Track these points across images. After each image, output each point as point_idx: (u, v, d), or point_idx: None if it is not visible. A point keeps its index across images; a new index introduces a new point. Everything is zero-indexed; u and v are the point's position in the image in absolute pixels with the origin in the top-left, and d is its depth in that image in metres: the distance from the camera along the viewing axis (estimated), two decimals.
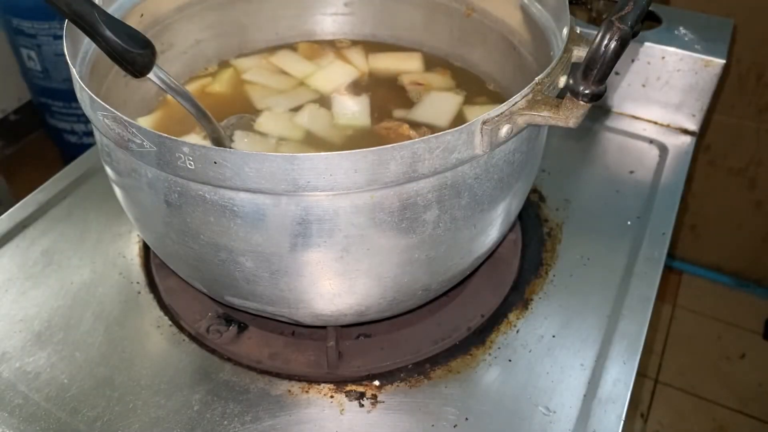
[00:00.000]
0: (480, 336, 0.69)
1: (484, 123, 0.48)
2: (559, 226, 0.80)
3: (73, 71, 0.53)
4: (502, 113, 0.49)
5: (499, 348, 0.68)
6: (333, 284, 0.55)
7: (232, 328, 0.68)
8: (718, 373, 1.77)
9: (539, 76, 0.52)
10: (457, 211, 0.53)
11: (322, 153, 0.45)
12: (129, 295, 0.72)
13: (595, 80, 0.46)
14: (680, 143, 0.93)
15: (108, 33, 0.50)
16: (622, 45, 0.45)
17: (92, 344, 0.67)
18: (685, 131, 0.95)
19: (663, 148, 0.92)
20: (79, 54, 0.60)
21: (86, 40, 0.61)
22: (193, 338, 0.68)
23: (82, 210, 0.81)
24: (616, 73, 0.94)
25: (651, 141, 0.93)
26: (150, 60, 0.54)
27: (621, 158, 0.91)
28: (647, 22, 0.99)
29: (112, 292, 0.72)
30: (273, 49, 0.84)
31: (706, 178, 1.78)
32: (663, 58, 0.91)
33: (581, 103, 0.48)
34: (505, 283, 0.73)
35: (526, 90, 0.51)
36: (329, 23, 0.85)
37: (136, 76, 0.54)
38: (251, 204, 0.49)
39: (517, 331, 0.69)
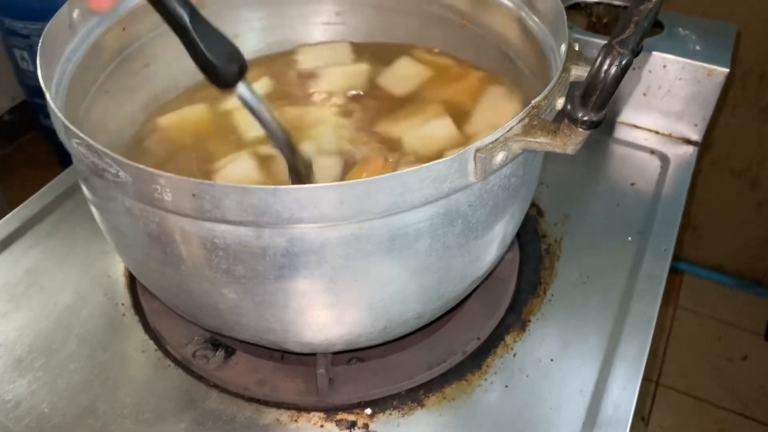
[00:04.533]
0: (476, 360, 0.66)
1: (477, 151, 0.46)
2: (558, 243, 0.78)
3: (48, 97, 0.50)
4: (496, 140, 0.47)
5: (495, 373, 0.65)
6: (321, 315, 0.53)
7: (219, 352, 0.66)
8: (720, 375, 1.75)
9: (535, 99, 0.49)
10: (450, 239, 0.51)
11: (307, 185, 0.43)
12: (113, 317, 0.70)
13: (594, 107, 0.44)
14: (682, 153, 0.91)
15: (197, 41, 0.49)
16: (623, 71, 0.42)
17: (75, 370, 0.65)
18: (687, 141, 0.92)
19: (664, 159, 0.89)
20: (55, 75, 0.57)
21: (63, 59, 0.59)
22: (179, 363, 0.66)
23: (67, 226, 0.79)
24: None
25: (652, 151, 0.91)
26: (235, 77, 0.52)
27: (621, 169, 0.89)
28: (652, 32, 0.96)
29: (97, 314, 0.70)
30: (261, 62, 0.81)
31: (707, 178, 1.76)
32: (665, 66, 0.88)
33: (579, 130, 0.45)
34: (502, 303, 0.71)
35: (521, 114, 0.48)
36: (320, 33, 0.82)
37: (220, 88, 0.53)
38: (233, 236, 0.47)
39: (514, 355, 0.67)
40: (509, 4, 0.68)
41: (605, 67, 0.42)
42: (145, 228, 0.49)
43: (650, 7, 0.46)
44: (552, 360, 0.66)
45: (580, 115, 0.45)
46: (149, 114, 0.73)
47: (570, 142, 0.47)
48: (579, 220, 0.81)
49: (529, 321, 0.70)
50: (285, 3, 0.80)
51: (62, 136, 0.49)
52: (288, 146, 0.57)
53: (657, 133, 0.94)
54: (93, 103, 0.65)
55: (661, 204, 0.83)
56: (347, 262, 0.48)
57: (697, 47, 0.89)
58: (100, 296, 0.72)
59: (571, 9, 0.99)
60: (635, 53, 0.43)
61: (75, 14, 0.61)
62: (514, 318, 0.70)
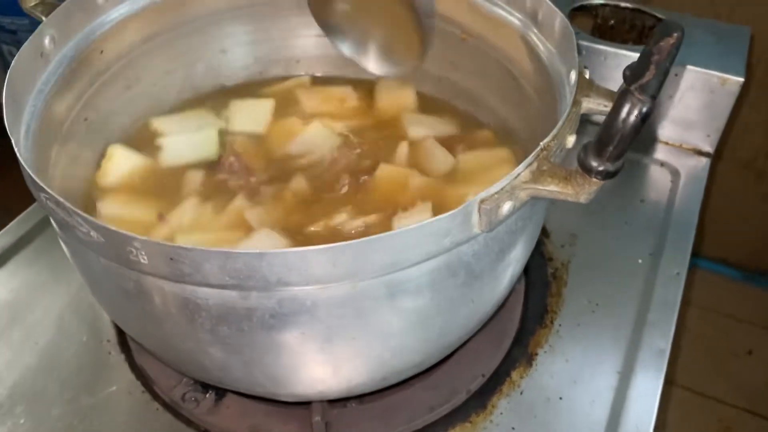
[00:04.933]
0: (480, 399, 0.63)
1: (482, 202, 0.42)
2: (565, 266, 0.74)
3: (14, 142, 0.46)
4: (502, 189, 0.43)
5: (501, 413, 0.62)
6: (315, 372, 0.49)
7: (210, 395, 0.62)
8: (725, 371, 1.72)
9: (544, 140, 0.45)
10: (452, 291, 0.47)
11: (295, 248, 0.39)
12: (99, 355, 0.66)
13: (610, 157, 0.40)
14: (693, 165, 0.87)
15: None
16: (643, 120, 0.38)
17: (58, 416, 0.61)
18: (699, 152, 0.88)
19: (675, 172, 0.85)
20: (25, 111, 0.53)
21: (34, 91, 0.55)
22: (168, 407, 0.62)
23: (47, 256, 0.75)
24: None
25: (662, 164, 0.87)
26: None
27: (630, 184, 0.84)
28: None
29: (81, 352, 0.66)
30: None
31: (712, 169, 1.72)
32: (675, 75, 0.84)
33: (594, 180, 0.42)
34: (507, 335, 0.68)
35: (530, 158, 0.44)
36: (312, 46, 0.78)
37: None
38: (216, 297, 0.43)
39: (521, 393, 0.63)
40: (513, 20, 0.63)
41: (623, 115, 0.38)
42: (122, 286, 0.45)
43: (672, 43, 0.42)
44: (561, 398, 0.63)
45: (594, 164, 0.41)
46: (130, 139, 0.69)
47: (583, 192, 0.43)
48: (587, 240, 0.77)
49: (536, 354, 0.66)
50: (275, 16, 0.75)
51: (30, 186, 0.45)
52: None
53: (667, 144, 0.89)
54: (70, 134, 0.61)
55: (672, 222, 0.79)
56: (342, 320, 0.45)
57: (710, 54, 0.85)
58: (85, 332, 0.68)
59: (576, 11, 0.95)
60: (656, 97, 0.39)
61: (47, 41, 0.57)
62: (521, 351, 0.67)
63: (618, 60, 0.86)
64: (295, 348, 0.46)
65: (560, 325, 0.69)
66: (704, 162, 0.87)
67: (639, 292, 0.72)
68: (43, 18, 0.58)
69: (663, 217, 0.79)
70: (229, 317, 0.44)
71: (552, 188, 0.43)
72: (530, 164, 0.44)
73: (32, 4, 0.59)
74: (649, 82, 0.39)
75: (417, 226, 0.40)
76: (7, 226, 0.78)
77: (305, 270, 0.40)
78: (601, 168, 0.41)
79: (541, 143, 0.45)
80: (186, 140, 0.70)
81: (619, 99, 0.38)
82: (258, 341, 0.46)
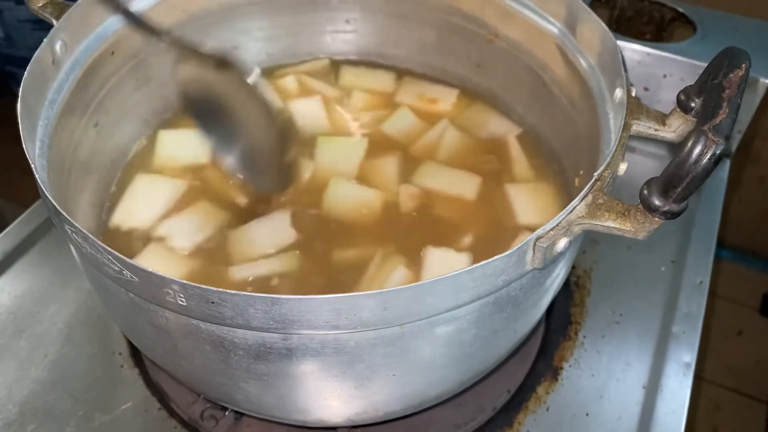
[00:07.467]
0: (507, 416, 0.62)
1: (538, 239, 0.40)
2: (588, 273, 0.73)
3: (33, 167, 0.43)
4: (558, 225, 0.41)
5: (528, 431, 0.61)
6: (350, 406, 0.47)
7: (229, 413, 0.60)
8: (715, 352, 1.73)
9: (598, 170, 0.43)
10: (497, 324, 0.45)
11: (346, 294, 0.37)
12: (110, 369, 0.64)
13: (677, 198, 0.38)
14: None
15: None
16: (717, 162, 0.36)
17: None
18: None
19: None
20: (38, 124, 0.49)
21: (46, 103, 0.51)
22: (186, 425, 0.60)
23: (53, 259, 0.72)
24: (645, 89, 0.85)
25: None
26: None
27: None
28: (680, 30, 0.89)
29: (92, 366, 0.64)
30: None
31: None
32: (698, 74, 0.81)
33: (655, 219, 0.40)
34: (532, 348, 0.66)
35: (585, 191, 0.42)
36: (328, 42, 0.74)
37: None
38: (256, 338, 0.41)
39: (548, 409, 0.62)
40: (548, 25, 0.60)
41: (694, 157, 0.36)
42: (152, 320, 0.43)
43: (741, 75, 0.40)
44: (587, 414, 0.62)
45: (658, 204, 0.39)
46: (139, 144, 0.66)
47: (642, 230, 0.41)
48: (608, 246, 0.75)
49: (562, 368, 0.65)
50: (290, 10, 0.71)
51: (53, 216, 0.42)
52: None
53: None
54: (81, 141, 0.58)
55: (694, 227, 0.77)
56: (385, 359, 0.43)
57: None
58: (95, 344, 0.65)
59: (595, 1, 0.92)
60: (729, 137, 0.37)
61: (58, 46, 0.53)
62: (546, 365, 0.65)
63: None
64: (334, 385, 0.44)
65: (584, 336, 0.68)
66: (725, 163, 0.85)
67: (662, 302, 0.70)
68: (53, 20, 0.54)
69: (684, 221, 0.78)
70: (269, 356, 0.42)
71: (609, 224, 0.41)
72: (585, 197, 0.42)
73: (40, 4, 0.55)
74: (722, 122, 0.37)
75: (473, 268, 0.38)
76: (7, 230, 0.74)
77: (354, 314, 0.38)
78: (666, 208, 0.39)
79: (595, 174, 0.43)
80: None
81: (692, 139, 0.36)
82: (295, 378, 0.44)
